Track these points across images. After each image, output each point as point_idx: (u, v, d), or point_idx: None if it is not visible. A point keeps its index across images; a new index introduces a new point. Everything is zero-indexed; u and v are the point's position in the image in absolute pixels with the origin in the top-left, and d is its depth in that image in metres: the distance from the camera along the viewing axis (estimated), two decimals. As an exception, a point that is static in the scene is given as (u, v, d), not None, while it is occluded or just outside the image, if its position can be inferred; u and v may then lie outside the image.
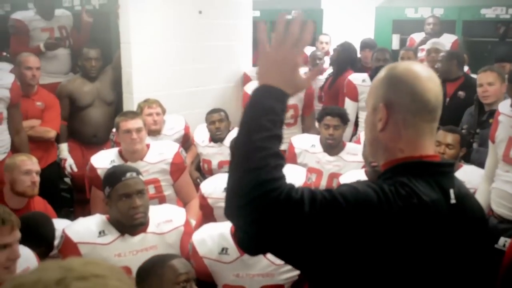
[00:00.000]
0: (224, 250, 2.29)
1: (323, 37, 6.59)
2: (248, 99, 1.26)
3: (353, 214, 1.15)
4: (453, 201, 1.26)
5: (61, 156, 4.32)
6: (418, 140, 1.28)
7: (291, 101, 4.18)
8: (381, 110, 1.28)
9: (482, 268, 1.37)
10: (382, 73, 1.34)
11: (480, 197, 2.79)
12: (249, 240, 1.18)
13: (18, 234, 2.01)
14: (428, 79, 1.29)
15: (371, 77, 4.41)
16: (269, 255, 2.19)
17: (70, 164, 4.30)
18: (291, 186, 1.15)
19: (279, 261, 2.21)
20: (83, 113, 4.36)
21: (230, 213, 1.19)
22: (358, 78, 4.52)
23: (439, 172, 1.29)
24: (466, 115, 3.86)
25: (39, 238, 2.40)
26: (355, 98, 4.48)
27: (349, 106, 4.46)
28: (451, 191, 1.27)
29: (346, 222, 1.15)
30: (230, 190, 1.17)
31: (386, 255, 1.17)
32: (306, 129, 4.42)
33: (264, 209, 1.11)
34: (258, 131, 1.17)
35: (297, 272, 2.25)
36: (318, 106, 4.88)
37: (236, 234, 2.22)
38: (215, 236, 2.34)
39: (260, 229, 1.13)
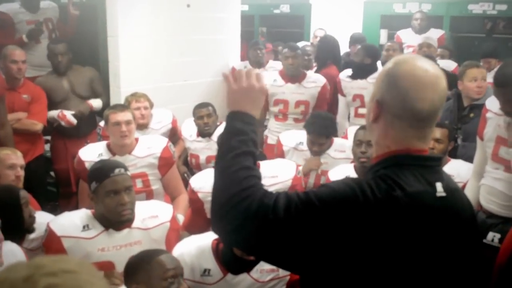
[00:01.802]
0: (206, 272, 2.22)
1: (318, 31, 6.62)
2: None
3: (328, 213, 1.19)
4: (441, 194, 1.27)
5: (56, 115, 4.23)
6: (404, 140, 1.30)
7: (303, 97, 4.29)
8: (373, 104, 1.32)
9: (470, 262, 1.38)
10: (389, 65, 1.33)
11: (469, 193, 2.80)
12: (231, 254, 1.25)
13: None
14: (427, 86, 1.26)
15: (352, 72, 4.44)
16: (253, 273, 2.21)
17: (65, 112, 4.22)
18: (263, 193, 1.22)
19: (263, 279, 2.21)
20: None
21: (214, 228, 1.31)
22: (343, 74, 4.56)
23: (425, 166, 1.30)
24: (444, 111, 3.86)
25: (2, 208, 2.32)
26: (342, 93, 4.50)
27: (341, 100, 4.52)
28: (438, 184, 1.28)
29: (322, 222, 1.18)
30: (211, 207, 1.28)
31: (369, 248, 1.19)
32: None
33: (237, 219, 1.20)
34: (229, 151, 1.29)
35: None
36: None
37: (222, 250, 2.18)
38: (194, 257, 2.25)
39: (238, 238, 1.22)
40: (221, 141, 1.35)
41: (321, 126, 3.50)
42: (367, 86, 4.24)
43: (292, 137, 3.71)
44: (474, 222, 1.42)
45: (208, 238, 2.30)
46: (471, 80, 3.59)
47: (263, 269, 2.23)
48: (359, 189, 1.20)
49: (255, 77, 1.43)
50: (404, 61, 1.32)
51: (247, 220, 1.19)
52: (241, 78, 1.43)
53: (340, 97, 4.55)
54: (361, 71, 4.33)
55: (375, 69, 4.33)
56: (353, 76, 4.38)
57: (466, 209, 1.38)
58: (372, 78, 4.27)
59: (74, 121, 4.20)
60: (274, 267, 2.15)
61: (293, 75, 4.31)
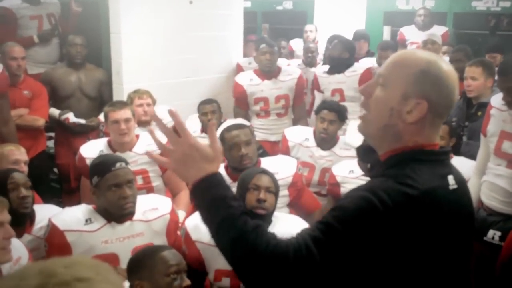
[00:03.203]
0: None
1: (308, 26, 6.65)
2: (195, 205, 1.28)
3: (352, 232, 1.16)
4: (453, 186, 1.29)
5: (59, 116, 4.23)
6: (434, 134, 1.33)
7: (282, 91, 4.27)
8: (419, 106, 1.26)
9: (470, 253, 1.41)
10: (422, 62, 1.29)
11: (470, 191, 2.80)
12: None
13: (7, 215, 2.02)
14: (456, 78, 1.31)
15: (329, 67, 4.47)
16: None
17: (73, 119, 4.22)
18: (295, 247, 1.15)
19: None
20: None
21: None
22: (319, 70, 4.60)
23: (437, 160, 1.31)
24: (454, 108, 3.86)
25: None
26: (319, 89, 4.54)
27: (317, 97, 4.54)
28: (450, 177, 1.30)
29: (350, 243, 1.16)
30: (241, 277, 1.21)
31: (401, 253, 1.19)
32: (296, 119, 4.42)
33: (273, 272, 1.14)
34: (222, 226, 1.19)
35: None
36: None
37: None
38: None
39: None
40: (206, 221, 1.24)
41: (333, 103, 3.59)
42: (345, 80, 4.33)
43: (298, 133, 3.70)
44: (473, 214, 1.45)
45: None
46: (464, 78, 3.62)
47: None
48: (376, 198, 1.17)
49: (184, 135, 1.28)
50: (436, 59, 1.31)
51: (284, 269, 1.13)
52: (175, 147, 1.28)
53: (316, 94, 4.59)
54: (339, 66, 4.38)
55: (352, 63, 4.43)
56: (330, 71, 4.42)
57: (470, 201, 1.41)
58: (350, 72, 4.35)
59: (80, 122, 4.21)
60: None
61: (270, 71, 4.34)
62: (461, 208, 1.31)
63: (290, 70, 4.50)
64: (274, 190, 2.29)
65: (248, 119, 4.36)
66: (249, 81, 4.36)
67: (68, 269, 0.71)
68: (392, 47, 5.29)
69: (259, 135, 4.16)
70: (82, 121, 4.23)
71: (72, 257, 0.76)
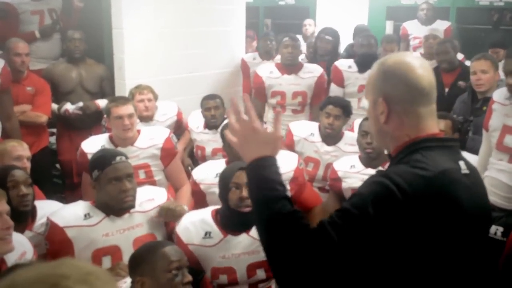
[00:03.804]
0: (207, 234, 2.34)
1: (306, 20, 6.69)
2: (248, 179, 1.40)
3: (370, 216, 1.20)
4: (465, 171, 1.33)
5: (58, 111, 4.24)
6: (420, 123, 1.36)
7: (300, 87, 4.27)
8: (381, 104, 1.38)
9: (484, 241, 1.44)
10: (374, 69, 1.42)
11: None
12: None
13: (5, 205, 2.03)
14: (419, 67, 1.37)
15: (357, 63, 4.40)
16: (252, 231, 2.31)
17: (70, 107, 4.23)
18: (315, 230, 1.24)
19: None
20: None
21: (284, 279, 1.26)
22: (344, 64, 4.52)
23: (446, 146, 1.36)
24: (459, 103, 3.86)
25: None
26: (340, 83, 4.46)
27: (334, 91, 4.46)
28: (461, 163, 1.35)
29: (369, 228, 1.20)
30: (272, 262, 1.27)
31: (424, 235, 1.22)
32: (313, 118, 4.36)
33: (305, 258, 1.22)
34: (268, 204, 1.30)
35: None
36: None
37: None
38: (197, 222, 2.39)
39: (310, 275, 1.21)
40: (254, 195, 1.36)
41: (338, 98, 3.60)
42: None
43: (303, 127, 3.68)
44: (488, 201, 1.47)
45: (207, 209, 2.46)
46: (472, 73, 3.60)
47: None
48: (392, 183, 1.22)
49: (253, 120, 1.40)
50: (387, 58, 1.42)
51: (312, 255, 1.21)
52: (240, 122, 1.41)
53: (333, 87, 4.50)
54: (371, 61, 4.30)
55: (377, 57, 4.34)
56: (362, 67, 4.34)
57: (485, 191, 1.43)
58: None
59: (79, 111, 4.21)
60: None
61: (291, 65, 4.31)
62: (476, 192, 1.35)
63: (312, 67, 4.44)
64: None
65: (263, 112, 4.37)
66: (268, 73, 4.35)
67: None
68: (396, 40, 5.29)
69: None
70: (80, 104, 4.23)
71: (61, 269, 0.76)
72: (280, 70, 4.34)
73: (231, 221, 2.33)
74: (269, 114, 4.43)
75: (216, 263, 2.35)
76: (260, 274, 2.39)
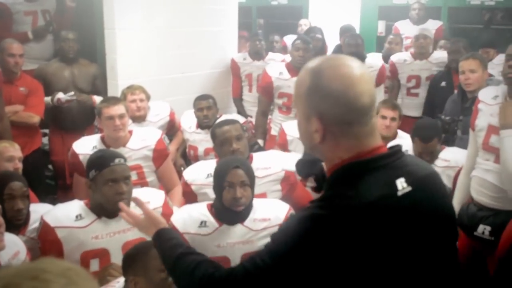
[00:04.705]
0: (202, 223, 2.35)
1: (302, 20, 6.69)
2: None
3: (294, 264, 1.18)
4: (404, 190, 1.20)
5: (51, 102, 4.25)
6: (357, 144, 1.23)
7: (285, 90, 4.27)
8: (315, 122, 1.22)
9: (452, 248, 1.35)
10: (306, 78, 1.25)
11: (459, 190, 2.83)
12: None
13: None
14: (359, 79, 1.20)
15: None
16: (247, 222, 2.33)
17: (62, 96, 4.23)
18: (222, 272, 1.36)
19: (256, 227, 2.32)
20: None
21: None
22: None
23: (380, 166, 1.21)
24: (449, 102, 3.89)
25: None
26: None
27: None
28: (400, 181, 1.20)
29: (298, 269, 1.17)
30: None
31: (351, 269, 1.14)
32: None
33: None
34: (172, 262, 1.50)
35: None
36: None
37: None
38: (192, 212, 2.40)
39: None
40: (162, 259, 1.60)
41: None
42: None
43: (296, 127, 3.68)
44: (450, 204, 1.37)
45: (202, 203, 2.48)
46: (460, 73, 3.63)
47: (256, 218, 2.35)
48: (318, 219, 1.16)
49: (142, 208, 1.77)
50: (321, 68, 1.23)
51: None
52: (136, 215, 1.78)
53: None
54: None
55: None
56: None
57: (441, 195, 1.32)
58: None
59: (72, 98, 4.22)
60: (266, 217, 2.34)
61: (301, 68, 4.28)
62: (420, 210, 1.22)
63: None
64: (249, 182, 2.31)
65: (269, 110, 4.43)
66: (278, 74, 4.30)
67: (34, 281, 0.74)
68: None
69: (277, 129, 4.16)
70: (71, 92, 4.24)
71: (41, 264, 0.79)
72: (289, 71, 4.28)
73: (225, 215, 2.34)
74: (274, 114, 4.43)
75: (211, 253, 2.32)
76: None
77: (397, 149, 1.28)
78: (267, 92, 4.37)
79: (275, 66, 4.44)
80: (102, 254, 2.37)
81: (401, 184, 1.20)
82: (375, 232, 1.14)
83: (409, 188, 1.20)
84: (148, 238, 2.29)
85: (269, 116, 4.51)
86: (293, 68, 4.29)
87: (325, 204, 1.18)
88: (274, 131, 4.33)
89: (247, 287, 1.24)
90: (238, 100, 5.15)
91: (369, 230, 1.14)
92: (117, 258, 2.11)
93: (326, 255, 1.14)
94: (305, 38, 4.43)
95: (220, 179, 2.32)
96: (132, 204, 2.47)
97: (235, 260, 2.34)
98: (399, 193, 1.19)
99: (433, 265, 1.25)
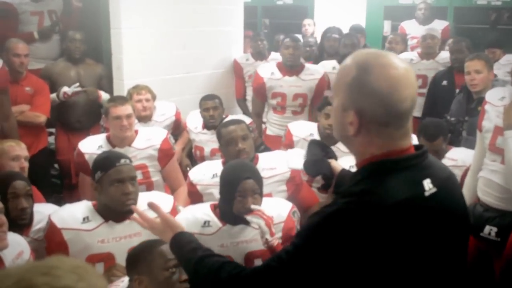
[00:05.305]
0: (206, 223, 2.34)
1: (306, 20, 6.70)
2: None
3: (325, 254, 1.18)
4: (431, 191, 1.21)
5: (57, 97, 4.26)
6: (392, 143, 1.23)
7: (301, 90, 4.27)
8: (352, 116, 1.22)
9: (465, 250, 1.38)
10: (353, 70, 1.22)
11: (466, 191, 2.82)
12: None
13: None
14: (404, 83, 1.19)
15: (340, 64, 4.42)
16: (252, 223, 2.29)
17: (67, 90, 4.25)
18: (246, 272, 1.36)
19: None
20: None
21: None
22: (327, 66, 4.55)
23: (409, 166, 1.23)
24: (455, 103, 3.87)
25: None
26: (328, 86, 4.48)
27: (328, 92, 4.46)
28: (427, 182, 1.22)
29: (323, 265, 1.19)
30: None
31: (378, 268, 1.15)
32: (313, 120, 4.36)
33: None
34: (193, 264, 1.51)
35: (280, 235, 2.34)
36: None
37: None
38: (196, 212, 2.39)
39: None
40: (181, 263, 1.64)
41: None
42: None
43: (302, 127, 3.66)
44: (466, 209, 1.39)
45: (206, 203, 2.48)
46: (466, 73, 3.61)
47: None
48: (339, 224, 1.16)
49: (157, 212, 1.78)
50: (369, 65, 1.21)
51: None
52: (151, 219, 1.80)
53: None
54: None
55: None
56: None
57: (459, 197, 1.35)
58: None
59: (78, 89, 4.24)
60: (269, 215, 2.30)
61: (292, 66, 4.29)
62: (443, 211, 1.24)
63: (313, 69, 4.41)
64: (259, 190, 2.30)
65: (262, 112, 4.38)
66: (270, 74, 4.30)
67: (46, 276, 0.75)
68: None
69: (273, 130, 4.16)
70: (76, 84, 4.26)
71: (51, 261, 0.81)
72: (281, 71, 4.31)
73: (230, 217, 2.32)
74: (268, 114, 4.43)
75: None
76: (258, 264, 2.38)
77: (424, 150, 1.29)
78: (260, 94, 4.37)
79: (266, 67, 4.44)
80: (108, 259, 2.35)
81: (428, 185, 1.22)
82: (401, 231, 1.16)
83: (435, 189, 1.22)
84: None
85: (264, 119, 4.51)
86: (284, 67, 4.30)
87: (353, 200, 1.18)
88: (270, 131, 4.34)
89: (274, 283, 1.25)
90: (242, 101, 5.14)
91: (396, 229, 1.15)
92: (122, 263, 2.09)
93: (352, 251, 1.14)
94: (294, 36, 4.43)
95: (230, 188, 2.28)
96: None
97: (238, 259, 2.33)
98: (426, 194, 1.21)
99: (449, 264, 1.28)
